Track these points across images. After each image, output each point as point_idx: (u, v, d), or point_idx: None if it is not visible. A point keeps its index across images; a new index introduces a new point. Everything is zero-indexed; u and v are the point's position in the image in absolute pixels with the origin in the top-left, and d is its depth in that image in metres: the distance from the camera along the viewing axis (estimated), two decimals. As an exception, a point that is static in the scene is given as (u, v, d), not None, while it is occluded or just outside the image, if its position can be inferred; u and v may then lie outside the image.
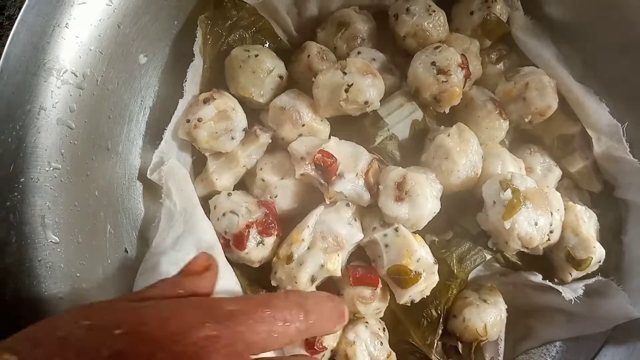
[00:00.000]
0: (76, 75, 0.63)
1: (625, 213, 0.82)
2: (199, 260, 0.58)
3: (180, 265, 0.68)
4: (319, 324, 0.52)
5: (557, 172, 0.81)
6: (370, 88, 0.71)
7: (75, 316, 0.44)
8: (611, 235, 0.81)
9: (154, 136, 0.75)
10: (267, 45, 0.81)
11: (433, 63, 0.73)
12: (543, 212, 0.70)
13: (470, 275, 0.77)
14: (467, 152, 0.73)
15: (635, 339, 0.76)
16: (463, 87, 0.75)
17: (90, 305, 0.48)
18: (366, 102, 0.72)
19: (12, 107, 0.58)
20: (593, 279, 0.76)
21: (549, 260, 0.78)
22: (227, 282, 0.72)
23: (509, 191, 0.69)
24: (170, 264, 0.67)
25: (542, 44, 0.82)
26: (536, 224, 0.69)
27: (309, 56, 0.78)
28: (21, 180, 0.59)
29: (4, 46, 0.59)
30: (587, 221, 0.76)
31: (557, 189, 0.80)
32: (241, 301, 0.51)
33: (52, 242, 0.61)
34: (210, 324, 0.45)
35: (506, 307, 0.76)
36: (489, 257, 0.75)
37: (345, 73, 0.71)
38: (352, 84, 0.71)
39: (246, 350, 0.46)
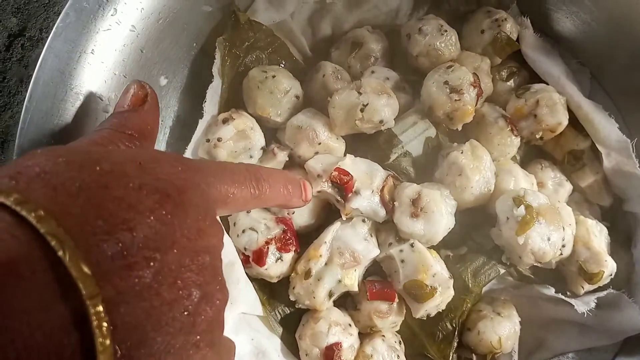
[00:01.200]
0: (102, 100, 0.65)
1: (634, 226, 0.83)
2: (135, 90, 0.58)
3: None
4: (274, 193, 0.58)
5: (568, 187, 0.82)
6: (385, 107, 0.73)
7: (50, 153, 0.42)
8: (622, 248, 0.82)
9: (174, 155, 0.77)
10: (283, 65, 0.83)
11: (446, 82, 0.75)
12: (555, 227, 0.71)
13: (484, 289, 0.79)
14: (480, 169, 0.75)
15: (647, 351, 0.78)
16: (475, 105, 0.77)
17: (57, 147, 0.48)
18: (381, 121, 0.74)
19: (41, 133, 0.60)
20: (605, 292, 0.77)
21: (561, 274, 0.80)
22: (247, 297, 0.74)
23: (522, 207, 0.70)
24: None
25: (552, 61, 0.84)
26: (549, 239, 0.71)
27: (324, 76, 0.80)
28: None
29: (26, 67, 0.61)
30: (598, 235, 0.77)
31: (568, 203, 0.81)
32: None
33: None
34: (183, 167, 0.47)
35: (520, 319, 0.78)
36: (502, 271, 0.77)
37: (360, 93, 0.73)
38: (367, 104, 0.73)
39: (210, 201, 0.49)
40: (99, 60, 0.65)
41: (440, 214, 0.72)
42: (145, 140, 0.55)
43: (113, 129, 0.53)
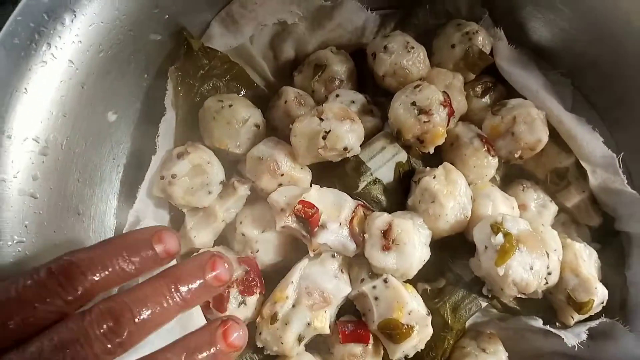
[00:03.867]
0: (38, 142, 0.60)
1: (627, 246, 0.78)
2: None
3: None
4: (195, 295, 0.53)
5: (553, 208, 0.77)
6: (348, 133, 0.68)
7: None
8: (614, 271, 0.77)
9: (129, 195, 0.73)
10: (242, 92, 0.78)
11: (413, 103, 0.70)
12: (538, 254, 0.66)
13: (468, 322, 0.73)
14: (454, 195, 0.69)
15: (645, 382, 0.72)
16: (447, 126, 0.72)
17: None
18: (345, 148, 0.68)
19: (-30, 182, 0.56)
20: (597, 321, 0.72)
21: (550, 302, 0.74)
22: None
23: (500, 235, 0.65)
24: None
25: (529, 74, 0.79)
26: (532, 268, 0.65)
27: (286, 102, 0.75)
28: (-18, 257, 0.56)
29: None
30: (587, 259, 0.72)
31: (554, 225, 0.77)
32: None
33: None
34: None
35: (507, 355, 0.72)
36: (484, 304, 0.72)
37: (322, 119, 0.68)
38: (329, 131, 0.68)
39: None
40: (33, 100, 0.60)
41: (413, 246, 0.66)
42: None
43: None
